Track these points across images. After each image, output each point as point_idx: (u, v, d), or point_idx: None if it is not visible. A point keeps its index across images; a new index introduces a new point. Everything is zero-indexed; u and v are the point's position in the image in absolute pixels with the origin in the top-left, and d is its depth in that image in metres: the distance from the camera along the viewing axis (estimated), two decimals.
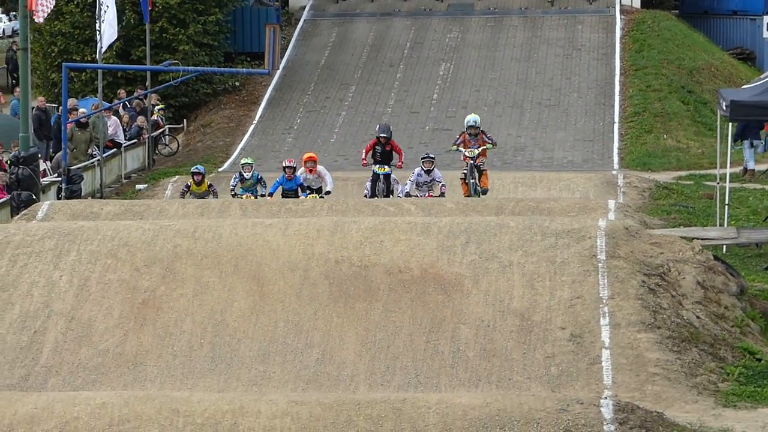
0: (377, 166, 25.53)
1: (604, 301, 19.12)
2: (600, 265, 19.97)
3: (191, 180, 28.07)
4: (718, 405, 16.88)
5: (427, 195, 24.81)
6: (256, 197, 27.17)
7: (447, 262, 20.21)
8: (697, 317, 19.64)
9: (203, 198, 27.13)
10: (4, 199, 30.54)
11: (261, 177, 28.03)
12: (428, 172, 25.19)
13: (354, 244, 20.65)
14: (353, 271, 19.60)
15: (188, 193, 27.92)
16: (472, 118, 24.53)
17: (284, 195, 26.27)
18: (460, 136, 25.54)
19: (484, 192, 24.84)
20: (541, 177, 35.52)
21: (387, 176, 25.54)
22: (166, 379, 17.63)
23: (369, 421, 14.35)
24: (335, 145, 43.21)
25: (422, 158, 25.53)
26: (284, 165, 26.92)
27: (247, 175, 27.54)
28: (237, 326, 18.58)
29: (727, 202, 28.19)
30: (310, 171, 26.95)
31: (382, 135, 25.36)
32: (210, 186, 28.33)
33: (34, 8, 34.42)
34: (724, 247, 25.77)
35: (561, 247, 20.71)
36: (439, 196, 24.66)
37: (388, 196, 25.86)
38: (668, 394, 16.97)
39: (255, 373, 17.65)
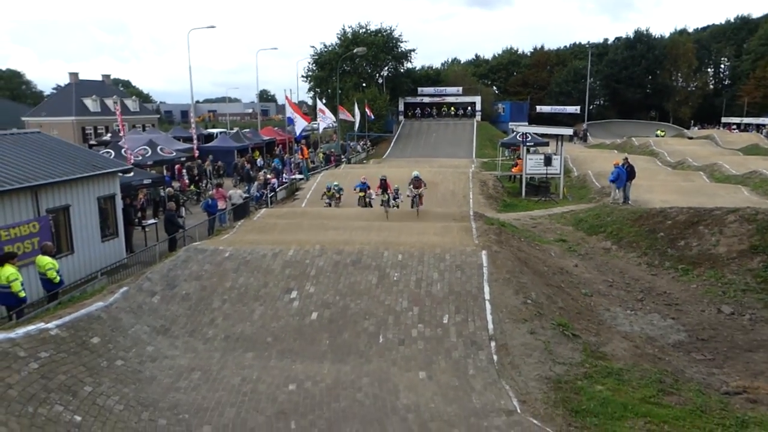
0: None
1: (470, 188, 24.37)
2: (470, 180, 25.20)
3: (326, 190, 20.92)
4: (498, 212, 22.14)
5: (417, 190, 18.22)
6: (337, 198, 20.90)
7: (440, 179, 24.61)
8: (490, 192, 24.87)
9: (331, 198, 20.63)
10: (336, 164, 33.37)
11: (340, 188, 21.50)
12: (417, 179, 18.02)
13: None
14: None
15: (325, 195, 20.69)
16: (415, 174, 18.40)
17: (362, 190, 20.80)
18: (411, 182, 18.13)
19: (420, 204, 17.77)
20: (458, 161, 37.99)
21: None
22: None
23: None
24: (410, 152, 47.57)
25: (414, 177, 18.50)
26: (361, 181, 21.30)
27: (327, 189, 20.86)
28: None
29: (499, 166, 32.25)
30: (365, 180, 20.49)
31: (382, 178, 19.35)
32: (338, 189, 20.94)
33: (347, 115, 40.38)
34: (499, 177, 28.38)
35: (461, 175, 25.67)
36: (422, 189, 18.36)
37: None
38: (485, 209, 21.96)
39: (388, 234, 18.24)
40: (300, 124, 26.53)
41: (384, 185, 19.66)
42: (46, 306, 11.55)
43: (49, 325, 8.75)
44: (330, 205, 20.59)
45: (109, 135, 43.72)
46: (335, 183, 21.90)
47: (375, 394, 8.68)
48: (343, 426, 7.83)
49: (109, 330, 9.72)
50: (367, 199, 20.98)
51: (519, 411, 8.26)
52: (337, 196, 21.00)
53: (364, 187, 21.08)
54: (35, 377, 7.37)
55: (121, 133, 22.00)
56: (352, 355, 9.92)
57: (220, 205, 20.37)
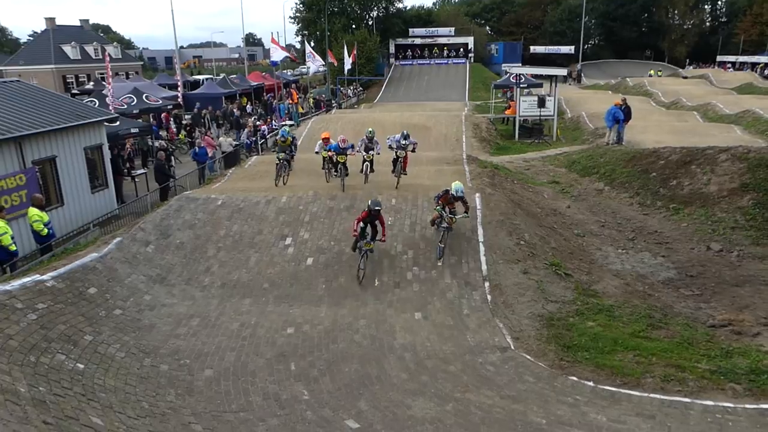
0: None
1: (463, 131, 23.88)
2: (463, 123, 24.70)
3: (279, 137, 14.42)
4: (491, 155, 21.75)
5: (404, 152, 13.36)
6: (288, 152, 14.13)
7: (432, 123, 24.29)
8: (483, 135, 24.43)
9: (285, 151, 13.85)
10: (326, 109, 32.27)
11: (295, 138, 15.98)
12: (406, 138, 13.28)
13: (410, 117, 24.75)
14: (407, 124, 21.97)
15: (276, 145, 15.10)
16: (458, 187, 10.90)
17: (337, 153, 13.08)
18: (441, 196, 11.03)
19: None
20: (451, 104, 36.14)
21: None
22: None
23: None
24: (401, 95, 46.33)
25: (403, 133, 13.50)
26: (339, 139, 13.24)
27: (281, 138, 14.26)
28: (380, 134, 18.25)
29: (492, 109, 31.58)
30: (326, 141, 13.43)
31: (375, 208, 10.42)
32: (293, 140, 14.60)
33: (333, 60, 38.56)
34: (492, 119, 28.08)
35: (453, 118, 25.13)
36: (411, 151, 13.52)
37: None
38: (478, 153, 21.47)
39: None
40: (278, 54, 26.01)
41: (371, 141, 13.52)
42: (39, 258, 11.52)
43: (45, 277, 8.79)
44: (282, 167, 14.01)
45: (91, 83, 42.51)
46: (287, 126, 17.06)
47: (372, 335, 8.90)
48: (342, 366, 8.05)
49: (105, 280, 9.79)
50: (338, 167, 13.53)
51: (512, 347, 8.53)
52: (293, 144, 14.67)
53: (340, 149, 13.40)
54: (35, 328, 7.45)
55: (109, 82, 21.32)
56: (349, 298, 10.09)
57: (209, 152, 20.15)
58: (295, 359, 8.24)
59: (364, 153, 13.75)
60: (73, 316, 8.23)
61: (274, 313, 9.60)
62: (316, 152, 14.00)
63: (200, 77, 52.89)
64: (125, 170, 18.74)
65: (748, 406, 7.01)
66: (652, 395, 7.32)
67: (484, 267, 10.50)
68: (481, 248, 10.96)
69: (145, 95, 26.41)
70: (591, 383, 7.66)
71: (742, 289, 10.92)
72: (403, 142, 13.33)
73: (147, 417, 6.32)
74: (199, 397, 7.20)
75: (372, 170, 13.94)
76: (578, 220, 14.48)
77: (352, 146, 13.61)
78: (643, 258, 12.50)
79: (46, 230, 12.07)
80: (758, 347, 8.42)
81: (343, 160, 13.38)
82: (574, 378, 7.83)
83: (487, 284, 10.10)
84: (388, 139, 13.74)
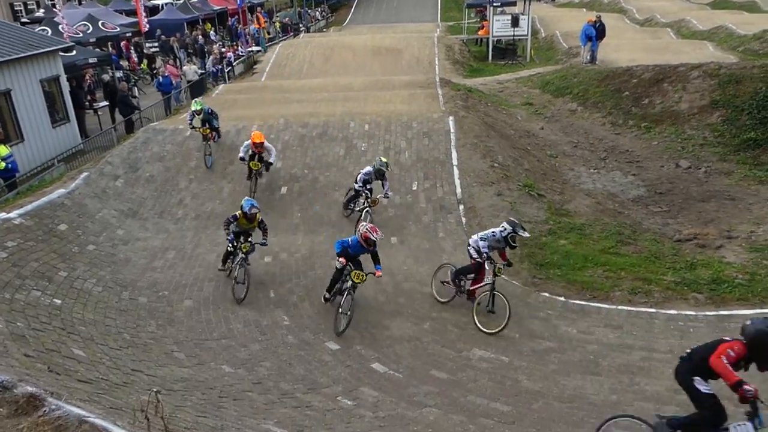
0: None
1: (436, 54, 22.88)
2: (436, 45, 23.69)
3: (248, 210, 8.27)
4: (465, 78, 20.94)
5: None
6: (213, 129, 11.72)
7: (404, 45, 23.31)
8: (456, 57, 23.55)
9: (246, 231, 8.44)
10: (294, 33, 30.98)
11: (212, 110, 11.81)
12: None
13: (380, 40, 23.81)
14: (378, 48, 22.74)
15: (233, 223, 8.37)
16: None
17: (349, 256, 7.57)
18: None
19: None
20: (423, 25, 33.66)
21: None
22: (336, 72, 20.35)
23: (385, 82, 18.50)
24: (372, 17, 43.68)
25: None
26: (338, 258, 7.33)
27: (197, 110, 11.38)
28: (351, 58, 21.67)
29: (465, 30, 29.00)
30: (258, 146, 10.32)
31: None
32: (260, 223, 8.44)
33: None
34: (465, 41, 26.31)
35: (425, 40, 24.11)
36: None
37: None
38: (451, 75, 20.58)
39: (355, 68, 20.71)
40: None
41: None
42: (4, 196, 11.26)
43: (11, 215, 8.59)
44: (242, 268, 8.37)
45: (41, 11, 39.77)
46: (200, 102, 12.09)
47: None
48: (321, 291, 8.17)
49: (75, 216, 9.63)
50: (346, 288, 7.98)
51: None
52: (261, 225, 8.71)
53: (362, 251, 7.89)
54: (6, 266, 7.36)
55: (58, 6, 19.91)
56: (325, 225, 10.15)
57: (173, 82, 19.39)
58: (274, 287, 8.35)
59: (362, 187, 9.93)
60: (45, 253, 8.14)
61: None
62: (241, 158, 10.61)
63: (159, 2, 49.82)
64: (87, 103, 17.95)
65: (708, 313, 7.39)
66: (619, 307, 7.67)
67: (458, 190, 10.57)
68: (456, 172, 11.00)
69: (101, 22, 24.87)
70: (562, 298, 7.97)
71: (708, 204, 11.28)
72: None
73: (129, 347, 6.42)
74: (180, 326, 7.30)
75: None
76: (551, 141, 14.57)
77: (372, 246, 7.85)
78: (614, 177, 12.73)
79: (3, 164, 11.75)
80: (720, 259, 8.82)
81: (361, 279, 7.55)
82: (546, 294, 8.14)
83: (461, 207, 10.18)
84: None
